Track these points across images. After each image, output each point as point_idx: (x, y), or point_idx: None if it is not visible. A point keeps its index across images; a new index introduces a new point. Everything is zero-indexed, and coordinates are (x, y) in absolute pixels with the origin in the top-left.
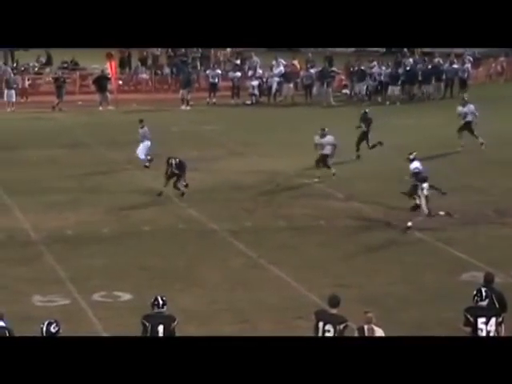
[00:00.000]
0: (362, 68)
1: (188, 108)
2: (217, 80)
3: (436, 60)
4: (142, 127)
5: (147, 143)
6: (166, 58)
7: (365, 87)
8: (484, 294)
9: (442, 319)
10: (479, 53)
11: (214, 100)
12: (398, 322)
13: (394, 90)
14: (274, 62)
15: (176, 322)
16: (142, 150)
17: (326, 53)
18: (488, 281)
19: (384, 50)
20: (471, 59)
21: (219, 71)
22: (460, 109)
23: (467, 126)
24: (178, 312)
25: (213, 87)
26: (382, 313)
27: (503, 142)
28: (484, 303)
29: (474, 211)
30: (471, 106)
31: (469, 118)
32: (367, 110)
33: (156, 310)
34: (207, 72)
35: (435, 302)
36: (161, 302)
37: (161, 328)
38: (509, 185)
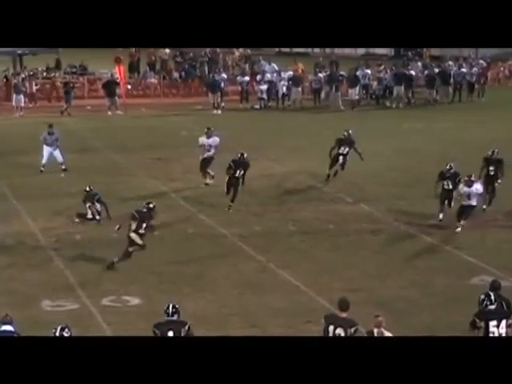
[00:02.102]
0: (357, 74)
1: (219, 112)
2: (223, 84)
3: (446, 64)
4: (51, 133)
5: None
6: (174, 63)
7: (356, 92)
8: (493, 297)
9: (452, 323)
10: (489, 56)
11: (222, 104)
12: (409, 326)
13: (399, 91)
14: (266, 66)
15: (187, 327)
16: (58, 154)
17: (332, 57)
18: (495, 288)
19: (392, 53)
20: (484, 63)
21: (225, 75)
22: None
23: None
24: (187, 317)
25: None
26: (393, 317)
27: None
28: (493, 307)
29: (483, 215)
30: None
31: None
32: (350, 132)
33: (166, 317)
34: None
35: (445, 306)
36: (171, 310)
37: (171, 333)
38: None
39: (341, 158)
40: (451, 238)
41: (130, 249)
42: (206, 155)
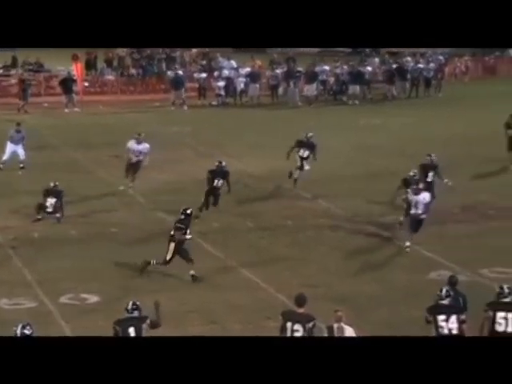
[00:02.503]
0: (315, 70)
1: (186, 108)
2: None
3: (403, 59)
4: (19, 131)
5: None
6: (131, 60)
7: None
8: (444, 292)
9: (411, 318)
10: (446, 52)
11: (180, 101)
12: (368, 322)
13: (354, 90)
14: (224, 63)
15: (148, 321)
16: (22, 153)
17: (289, 53)
18: (452, 283)
19: (350, 49)
20: (441, 58)
21: (181, 72)
22: None
23: None
24: (147, 313)
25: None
26: (353, 312)
27: (470, 140)
28: (445, 301)
29: (441, 210)
30: None
31: None
32: (311, 135)
33: (127, 314)
34: (168, 73)
35: (405, 301)
36: (131, 306)
37: (131, 330)
38: (476, 183)
39: (299, 160)
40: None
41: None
42: (134, 160)
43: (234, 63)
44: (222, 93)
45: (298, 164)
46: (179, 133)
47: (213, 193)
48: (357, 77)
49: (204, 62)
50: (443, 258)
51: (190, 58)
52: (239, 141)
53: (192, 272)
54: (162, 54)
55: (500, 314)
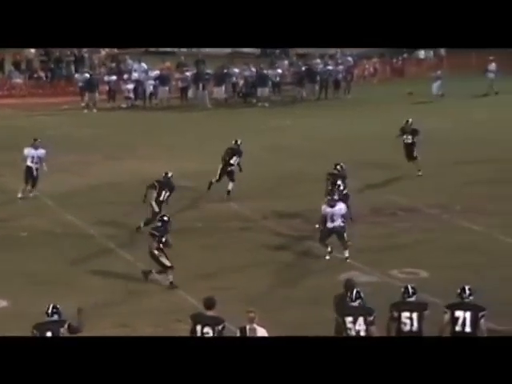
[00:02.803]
0: (226, 71)
1: (95, 111)
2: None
3: (313, 61)
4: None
5: None
6: (39, 62)
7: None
8: (355, 294)
9: (321, 319)
10: (354, 54)
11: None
12: (280, 323)
13: (262, 93)
14: (134, 65)
15: (66, 325)
16: None
17: (198, 56)
18: (348, 287)
19: (259, 52)
20: (351, 60)
21: (87, 75)
22: None
23: None
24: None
25: (83, 90)
26: (264, 313)
27: (378, 141)
28: (355, 303)
29: (351, 211)
30: None
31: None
32: (240, 142)
33: (46, 318)
34: (76, 76)
35: (315, 303)
36: (51, 310)
37: (49, 334)
38: (385, 184)
39: (229, 168)
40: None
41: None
42: (32, 166)
43: (143, 66)
44: (132, 95)
45: (228, 170)
46: (89, 136)
47: (158, 204)
48: (265, 80)
49: (113, 65)
50: (353, 259)
51: (99, 61)
52: (149, 143)
53: (170, 279)
54: (70, 56)
55: (405, 314)
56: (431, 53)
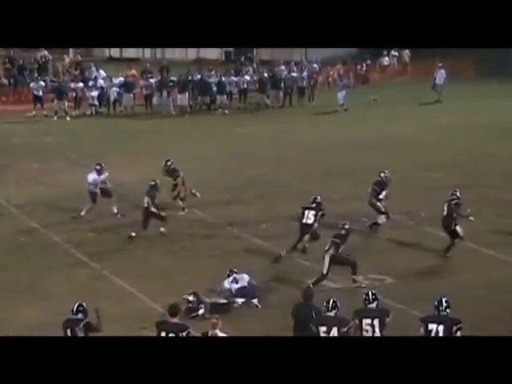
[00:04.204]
0: (189, 79)
1: (68, 118)
2: (41, 92)
3: (277, 68)
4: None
5: None
6: (2, 70)
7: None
8: (332, 304)
9: (287, 326)
10: (319, 60)
11: (44, 112)
12: (244, 329)
13: (222, 100)
14: (98, 72)
15: (82, 324)
16: None
17: (163, 62)
18: (306, 297)
19: (223, 58)
20: (316, 67)
21: (43, 83)
22: None
23: None
24: (22, 324)
25: (37, 99)
26: (230, 320)
27: (343, 148)
28: (331, 313)
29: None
30: None
31: None
32: (170, 162)
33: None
34: (31, 85)
35: (282, 310)
36: (75, 308)
37: (68, 331)
38: (351, 191)
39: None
40: (286, 241)
41: None
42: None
43: (104, 72)
44: (96, 102)
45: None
46: (53, 143)
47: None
48: (224, 87)
49: (77, 72)
50: (319, 265)
51: (62, 68)
52: (114, 150)
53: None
54: (34, 64)
55: (366, 321)
56: (395, 59)
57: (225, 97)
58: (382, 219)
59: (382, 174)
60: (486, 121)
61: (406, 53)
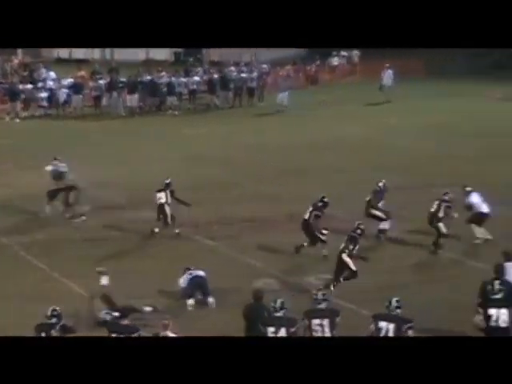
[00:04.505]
0: (138, 80)
1: (18, 121)
2: None
3: (226, 69)
4: None
5: None
6: None
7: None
8: (279, 304)
9: (239, 326)
10: (268, 61)
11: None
12: (194, 329)
13: (172, 101)
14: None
15: (58, 327)
16: None
17: (112, 63)
18: (257, 298)
19: (173, 59)
20: (266, 68)
21: None
22: None
23: None
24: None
25: None
26: (178, 321)
27: (292, 149)
28: (279, 313)
29: (266, 218)
30: None
31: None
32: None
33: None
34: None
35: (233, 310)
36: (50, 313)
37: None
38: (301, 191)
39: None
40: (236, 241)
41: None
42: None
43: (53, 74)
44: (45, 104)
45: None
46: (2, 145)
47: None
48: (173, 88)
49: (26, 73)
50: (268, 266)
51: (11, 69)
52: (63, 152)
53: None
54: None
55: (315, 321)
56: (344, 59)
57: (174, 98)
58: (385, 225)
59: (380, 184)
60: (434, 120)
61: (356, 53)
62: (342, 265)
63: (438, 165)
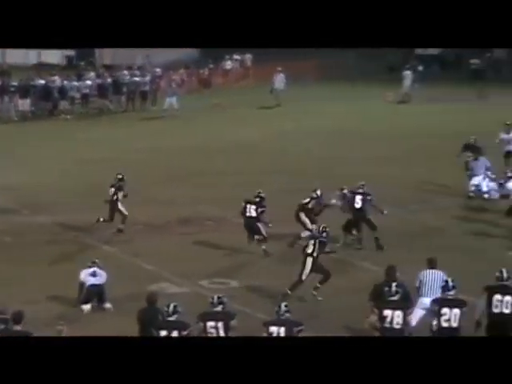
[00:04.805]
0: (30, 84)
1: None
2: None
3: (119, 73)
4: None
5: None
6: None
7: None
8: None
9: (131, 329)
10: (161, 65)
11: None
12: (89, 331)
13: (64, 105)
14: None
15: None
16: None
17: (3, 66)
18: (150, 301)
19: (65, 63)
20: (158, 71)
21: None
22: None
23: None
24: None
25: None
26: (73, 325)
27: (189, 152)
28: (218, 308)
29: (160, 223)
30: None
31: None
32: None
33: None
34: None
35: (124, 313)
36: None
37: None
38: (194, 194)
39: None
40: (129, 246)
41: None
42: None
43: None
44: None
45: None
46: None
47: None
48: (65, 91)
49: None
50: (164, 269)
51: None
52: None
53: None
54: None
55: (210, 324)
56: (237, 63)
57: (67, 102)
58: (305, 233)
59: (318, 192)
60: (326, 124)
61: (248, 56)
62: (317, 267)
63: (331, 167)
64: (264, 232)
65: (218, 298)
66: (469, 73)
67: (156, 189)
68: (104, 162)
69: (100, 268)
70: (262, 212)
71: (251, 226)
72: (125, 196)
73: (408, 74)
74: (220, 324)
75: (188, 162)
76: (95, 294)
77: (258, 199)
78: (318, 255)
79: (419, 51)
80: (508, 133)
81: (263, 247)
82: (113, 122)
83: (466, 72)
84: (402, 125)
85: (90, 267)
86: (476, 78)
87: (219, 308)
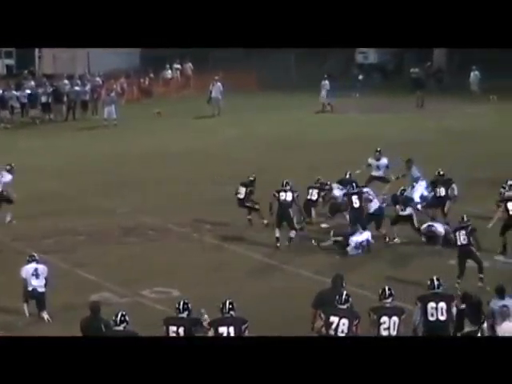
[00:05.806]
0: None
1: None
2: None
3: (60, 82)
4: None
5: None
6: None
7: None
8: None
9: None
10: (102, 74)
11: None
12: None
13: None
14: None
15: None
16: None
17: None
18: (94, 310)
19: (5, 72)
20: (99, 80)
21: None
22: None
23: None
24: None
25: None
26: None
27: (130, 162)
28: (120, 327)
29: (102, 231)
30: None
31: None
32: None
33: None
34: None
35: (64, 322)
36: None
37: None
38: (135, 204)
39: None
40: (70, 255)
41: None
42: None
43: None
44: None
45: None
46: None
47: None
48: (5, 101)
49: None
50: (104, 280)
51: None
52: None
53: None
54: None
55: (172, 329)
56: (178, 72)
57: (7, 112)
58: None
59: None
60: (266, 132)
61: (190, 66)
62: None
63: (270, 176)
64: (256, 206)
65: (184, 303)
66: (409, 82)
67: (97, 198)
68: (45, 172)
69: (39, 262)
70: (251, 192)
71: (242, 205)
72: None
73: (326, 83)
74: (181, 329)
75: (129, 171)
76: (36, 298)
77: (248, 181)
78: None
79: (360, 59)
80: (378, 159)
81: (264, 221)
82: (53, 131)
83: (407, 81)
84: (336, 133)
85: (29, 262)
86: (416, 86)
87: (184, 314)
